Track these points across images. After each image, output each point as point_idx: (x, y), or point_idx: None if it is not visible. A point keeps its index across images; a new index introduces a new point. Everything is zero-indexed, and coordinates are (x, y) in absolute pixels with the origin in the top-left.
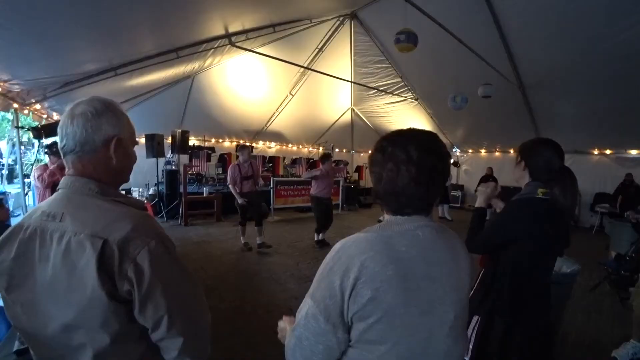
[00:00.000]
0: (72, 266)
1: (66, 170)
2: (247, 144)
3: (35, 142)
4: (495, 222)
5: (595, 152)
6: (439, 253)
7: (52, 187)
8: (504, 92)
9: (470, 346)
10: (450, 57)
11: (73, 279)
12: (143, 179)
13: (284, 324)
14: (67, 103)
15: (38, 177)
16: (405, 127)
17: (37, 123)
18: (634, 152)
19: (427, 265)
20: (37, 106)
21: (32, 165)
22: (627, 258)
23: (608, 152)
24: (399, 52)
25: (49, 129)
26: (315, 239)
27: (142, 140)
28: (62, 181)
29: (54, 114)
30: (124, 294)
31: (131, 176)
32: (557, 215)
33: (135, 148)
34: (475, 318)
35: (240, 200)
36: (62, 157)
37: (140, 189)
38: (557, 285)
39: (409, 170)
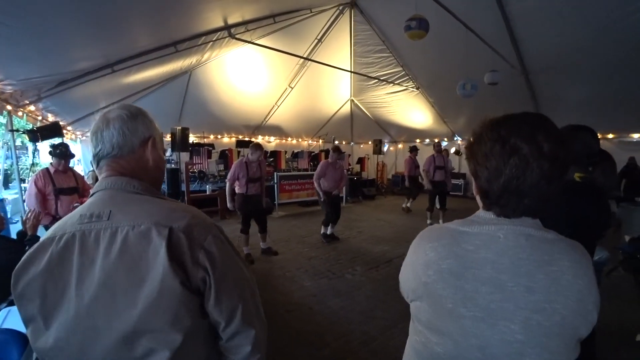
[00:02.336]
0: (133, 261)
1: (100, 175)
2: (253, 140)
3: (30, 145)
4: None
5: (598, 136)
6: (521, 263)
7: (58, 193)
8: (507, 78)
9: None
10: (455, 43)
11: (136, 274)
12: None
13: None
14: (63, 104)
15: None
16: (406, 116)
17: (32, 125)
18: (636, 135)
19: (496, 272)
20: (32, 107)
21: (28, 169)
22: None
23: (610, 136)
24: (400, 41)
25: (46, 131)
26: (322, 231)
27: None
28: (100, 183)
29: (49, 115)
30: (197, 283)
31: None
32: (595, 197)
33: None
34: None
35: (229, 205)
36: (94, 164)
37: None
38: None
39: (540, 166)
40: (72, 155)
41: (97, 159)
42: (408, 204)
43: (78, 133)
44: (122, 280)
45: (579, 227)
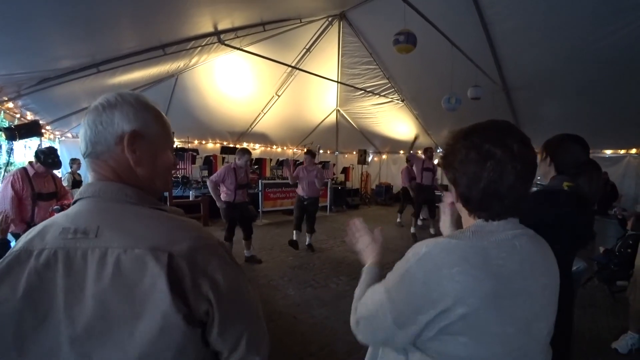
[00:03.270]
0: (129, 289)
1: (89, 177)
2: (238, 147)
3: (4, 144)
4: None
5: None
6: (536, 265)
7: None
8: (489, 94)
9: None
10: (439, 59)
11: (133, 304)
12: None
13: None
14: (44, 102)
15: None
16: (390, 128)
17: (9, 123)
18: (608, 151)
19: (524, 280)
20: (10, 104)
21: (2, 169)
22: (617, 253)
23: None
24: (386, 54)
25: (25, 130)
26: (291, 237)
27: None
28: (86, 189)
29: (28, 113)
30: (200, 315)
31: None
32: (582, 207)
33: None
34: None
35: (219, 204)
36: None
37: None
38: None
39: (514, 167)
40: (61, 164)
41: (84, 158)
42: (399, 219)
43: (57, 133)
44: (118, 310)
45: (566, 235)
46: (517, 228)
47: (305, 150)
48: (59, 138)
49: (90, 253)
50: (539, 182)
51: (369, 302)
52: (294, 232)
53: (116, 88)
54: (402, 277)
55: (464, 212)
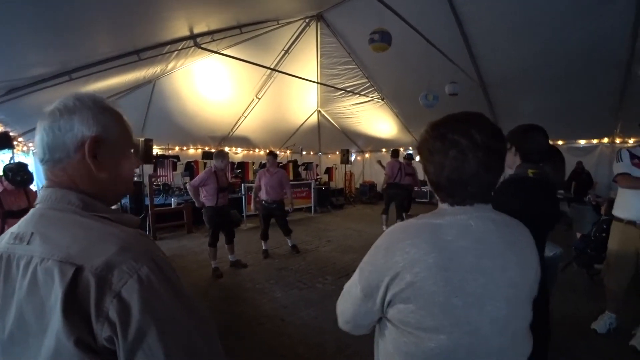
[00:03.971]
0: (40, 303)
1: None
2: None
3: None
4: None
5: (550, 143)
6: (493, 246)
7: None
8: (466, 90)
9: None
10: (417, 57)
11: (41, 320)
12: None
13: None
14: (14, 112)
15: None
16: (372, 126)
17: None
18: (582, 141)
19: (477, 258)
20: None
21: None
22: (592, 238)
23: (560, 142)
24: (365, 53)
25: None
26: (263, 247)
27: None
28: (39, 195)
29: None
30: (103, 342)
31: None
32: (548, 192)
33: None
34: None
35: (198, 204)
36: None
37: None
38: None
39: (476, 156)
40: (32, 180)
41: (42, 164)
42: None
43: (30, 145)
44: (32, 322)
45: (535, 219)
46: (479, 211)
47: (288, 151)
48: (32, 150)
49: (20, 260)
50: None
51: (347, 282)
52: (262, 242)
53: None
54: (371, 252)
55: (438, 200)
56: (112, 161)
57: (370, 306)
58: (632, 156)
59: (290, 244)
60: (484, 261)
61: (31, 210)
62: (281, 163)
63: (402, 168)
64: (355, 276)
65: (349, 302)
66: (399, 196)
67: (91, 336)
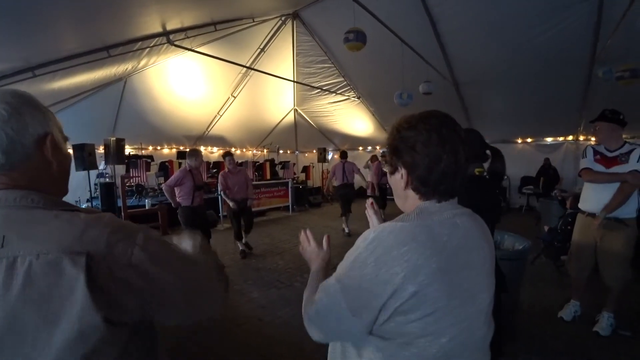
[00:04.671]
0: (43, 297)
1: None
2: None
3: None
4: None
5: (519, 140)
6: (476, 240)
7: None
8: (440, 89)
9: None
10: (392, 56)
11: (49, 311)
12: (73, 195)
13: (311, 248)
14: None
15: None
16: (349, 125)
17: None
18: (549, 139)
19: (468, 254)
20: None
21: None
22: (559, 230)
23: (529, 140)
24: (341, 52)
25: None
26: (240, 247)
27: (70, 151)
28: None
29: None
30: (131, 311)
31: None
32: (493, 187)
33: None
34: None
35: (175, 204)
36: None
37: None
38: (513, 262)
39: (464, 150)
40: None
41: None
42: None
43: None
44: (32, 319)
45: (488, 212)
46: (457, 208)
47: (223, 153)
48: None
49: None
50: None
51: (322, 296)
52: (238, 243)
53: (57, 94)
54: (353, 264)
55: (409, 200)
56: (60, 156)
57: (359, 324)
58: (595, 152)
59: (244, 241)
60: (472, 256)
61: None
62: (258, 162)
63: (345, 169)
64: (338, 292)
65: (330, 316)
66: (348, 195)
67: (113, 310)
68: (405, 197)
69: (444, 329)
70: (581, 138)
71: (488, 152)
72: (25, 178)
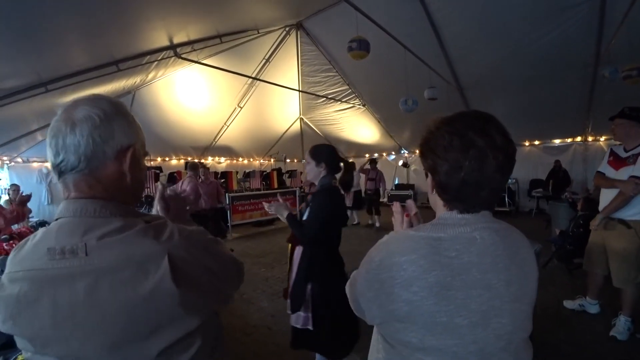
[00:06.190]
0: (136, 298)
1: (65, 193)
2: (196, 160)
3: None
4: (318, 209)
5: (526, 143)
6: (499, 259)
7: None
8: (444, 93)
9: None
10: (396, 63)
11: (143, 312)
12: None
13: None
14: None
15: None
16: (354, 132)
17: None
18: (557, 141)
19: (482, 273)
20: None
21: None
22: (570, 233)
23: (537, 142)
24: (345, 60)
25: None
26: None
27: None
28: (66, 208)
29: None
30: (205, 288)
31: None
32: (342, 197)
33: None
34: (308, 285)
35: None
36: (55, 176)
37: None
38: None
39: (496, 158)
40: None
41: (59, 171)
42: (377, 223)
43: (5, 158)
44: (144, 319)
45: (340, 219)
46: (485, 222)
47: (189, 165)
48: (7, 164)
49: (80, 272)
50: None
51: (350, 279)
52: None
53: None
54: (364, 261)
55: (438, 205)
56: (137, 168)
57: (369, 315)
58: (611, 154)
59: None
60: (489, 276)
61: (65, 223)
62: (265, 171)
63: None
64: (353, 281)
65: (351, 302)
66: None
67: (190, 300)
68: (435, 202)
69: (448, 347)
70: (590, 139)
71: (341, 164)
72: (98, 187)
